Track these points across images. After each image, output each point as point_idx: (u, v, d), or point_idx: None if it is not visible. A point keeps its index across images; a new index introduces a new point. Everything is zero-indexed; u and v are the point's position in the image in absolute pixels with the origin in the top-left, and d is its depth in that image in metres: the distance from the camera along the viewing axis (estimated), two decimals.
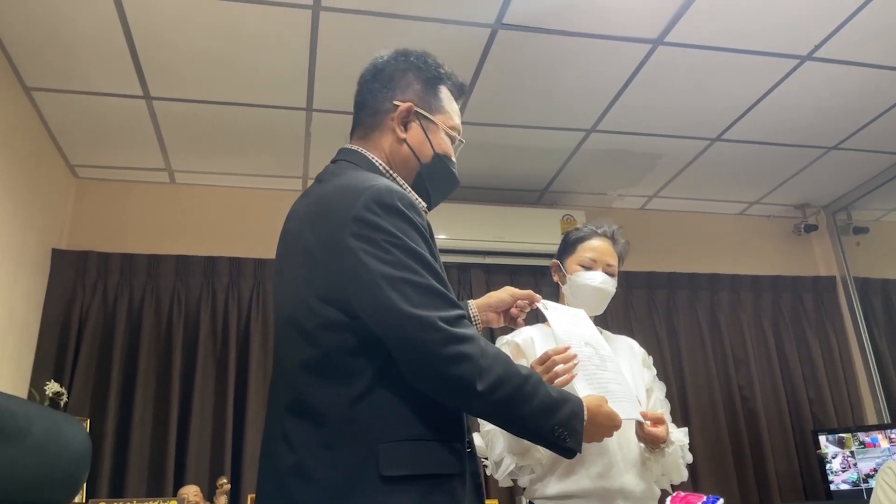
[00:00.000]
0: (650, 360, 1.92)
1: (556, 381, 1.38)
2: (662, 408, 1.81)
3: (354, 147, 1.35)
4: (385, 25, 2.50)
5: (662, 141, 3.38)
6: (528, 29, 2.55)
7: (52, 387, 2.78)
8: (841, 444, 3.35)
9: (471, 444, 1.24)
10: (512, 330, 1.75)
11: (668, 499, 1.20)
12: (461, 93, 1.42)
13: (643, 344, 1.97)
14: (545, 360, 1.41)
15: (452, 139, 1.39)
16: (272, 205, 3.50)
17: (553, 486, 1.65)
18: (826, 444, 3.37)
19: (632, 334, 2.04)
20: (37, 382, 2.91)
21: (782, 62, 2.80)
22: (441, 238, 3.59)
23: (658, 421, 1.61)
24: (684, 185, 3.86)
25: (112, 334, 3.16)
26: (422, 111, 1.34)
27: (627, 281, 3.77)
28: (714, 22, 2.55)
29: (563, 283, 1.85)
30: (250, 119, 3.06)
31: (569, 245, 1.88)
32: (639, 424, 1.59)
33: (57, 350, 3.09)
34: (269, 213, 3.45)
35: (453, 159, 1.39)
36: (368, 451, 1.08)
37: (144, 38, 2.53)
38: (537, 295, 1.58)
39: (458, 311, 1.14)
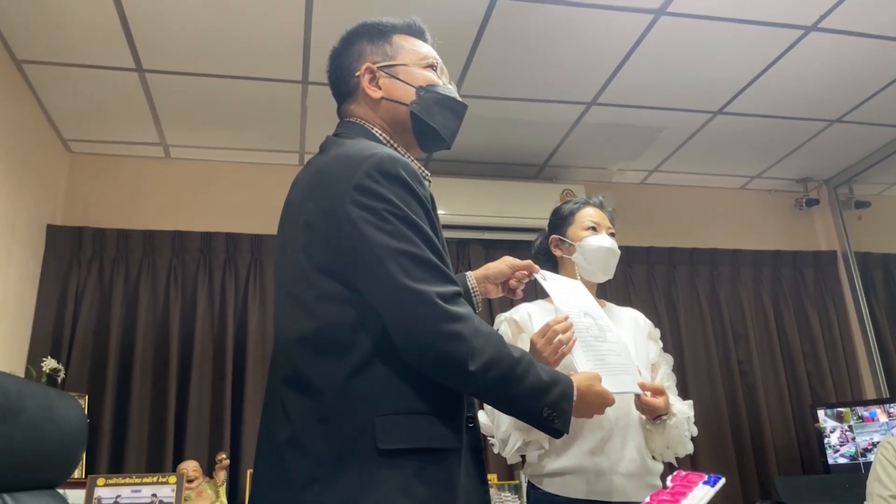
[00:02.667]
0: (657, 332, 1.91)
1: (558, 352, 1.36)
2: (669, 381, 1.80)
3: (353, 119, 1.33)
4: None
5: (664, 114, 3.33)
6: None
7: (49, 363, 2.78)
8: (839, 418, 3.36)
9: (474, 419, 1.23)
10: (510, 301, 1.74)
11: (669, 477, 1.19)
12: (416, 31, 1.39)
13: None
14: (546, 331, 1.40)
15: (431, 67, 1.35)
16: (269, 180, 3.48)
17: (549, 464, 1.66)
18: (824, 419, 3.38)
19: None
20: (34, 359, 2.90)
21: (786, 32, 2.75)
22: (439, 213, 3.54)
23: (658, 392, 1.60)
24: (685, 160, 3.82)
25: (109, 310, 3.15)
26: (382, 63, 1.32)
27: (627, 256, 3.73)
28: None
29: (571, 254, 1.83)
30: (245, 92, 3.01)
31: (565, 217, 1.88)
32: (637, 395, 1.58)
33: (54, 326, 3.07)
34: (266, 188, 3.43)
35: (443, 84, 1.35)
36: (364, 424, 1.07)
37: (135, 9, 2.47)
38: (536, 266, 1.57)
39: (454, 288, 1.12)
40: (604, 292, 1.92)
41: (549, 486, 1.65)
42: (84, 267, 3.20)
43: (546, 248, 1.90)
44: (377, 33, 1.35)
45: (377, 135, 1.30)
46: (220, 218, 3.44)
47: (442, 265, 1.13)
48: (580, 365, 1.37)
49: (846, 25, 2.70)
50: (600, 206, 1.91)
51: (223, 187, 3.55)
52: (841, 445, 3.31)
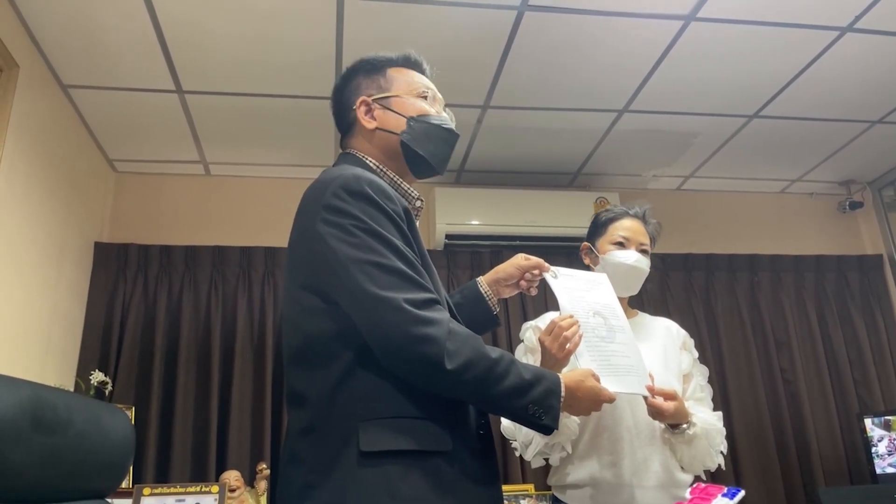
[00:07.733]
0: (691, 342, 1.87)
1: (564, 349, 1.36)
2: (701, 393, 1.77)
3: (350, 151, 1.40)
4: (410, 11, 2.49)
5: (697, 119, 3.30)
6: (554, 10, 2.51)
7: (97, 376, 2.87)
8: (887, 426, 3.26)
9: (487, 425, 1.25)
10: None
11: (688, 490, 1.18)
12: (412, 63, 1.44)
13: (682, 326, 1.92)
14: (552, 328, 1.39)
15: (423, 97, 1.39)
16: None
17: (570, 475, 1.65)
18: (872, 427, 3.29)
19: (669, 317, 1.99)
20: (83, 372, 3.00)
21: (821, 34, 2.70)
22: (473, 224, 3.58)
23: (669, 397, 1.54)
24: (722, 164, 3.77)
25: (153, 324, 3.24)
26: (377, 95, 1.38)
27: (664, 263, 3.71)
28: None
29: (596, 265, 1.83)
30: (280, 109, 3.08)
31: (599, 226, 1.86)
32: (645, 398, 1.52)
33: (101, 340, 3.18)
34: None
35: (433, 113, 1.39)
36: (350, 430, 1.12)
37: (174, 34, 2.56)
38: (546, 264, 1.55)
39: (426, 295, 1.15)
40: (640, 301, 1.90)
41: (571, 499, 1.65)
42: (129, 282, 3.31)
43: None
44: (372, 68, 1.41)
45: (369, 163, 1.35)
46: (258, 232, 3.52)
47: (413, 273, 1.16)
48: (582, 364, 1.35)
49: (883, 25, 2.64)
50: (642, 217, 1.84)
51: (261, 203, 3.63)
52: (889, 454, 3.21)
